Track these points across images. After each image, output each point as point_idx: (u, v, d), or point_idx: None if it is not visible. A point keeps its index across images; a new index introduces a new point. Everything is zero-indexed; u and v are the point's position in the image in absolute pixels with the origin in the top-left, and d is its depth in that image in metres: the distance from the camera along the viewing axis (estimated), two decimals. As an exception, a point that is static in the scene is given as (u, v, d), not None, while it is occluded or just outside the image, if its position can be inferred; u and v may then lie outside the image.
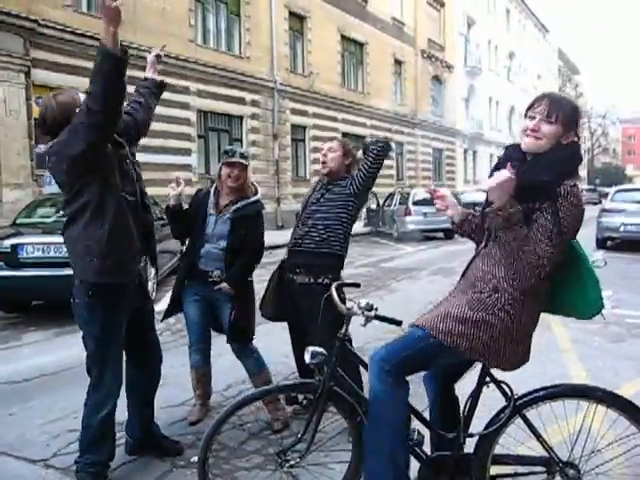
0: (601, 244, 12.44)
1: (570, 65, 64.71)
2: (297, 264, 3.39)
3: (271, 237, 6.37)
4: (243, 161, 3.39)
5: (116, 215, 2.59)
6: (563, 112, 1.98)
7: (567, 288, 2.12)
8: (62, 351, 5.10)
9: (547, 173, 1.93)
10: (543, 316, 2.14)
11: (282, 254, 3.62)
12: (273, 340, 3.65)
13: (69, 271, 2.76)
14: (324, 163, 3.47)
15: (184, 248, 3.67)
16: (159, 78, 3.23)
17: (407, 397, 2.13)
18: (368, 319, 2.05)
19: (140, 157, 3.22)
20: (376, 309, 2.06)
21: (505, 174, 1.87)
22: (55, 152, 2.53)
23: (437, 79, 30.91)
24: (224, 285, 3.33)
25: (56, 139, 2.53)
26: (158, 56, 3.23)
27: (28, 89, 11.76)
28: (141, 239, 2.81)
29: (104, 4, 2.24)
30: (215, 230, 3.39)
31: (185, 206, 3.50)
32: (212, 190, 3.49)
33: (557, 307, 2.18)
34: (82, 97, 2.54)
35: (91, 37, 12.55)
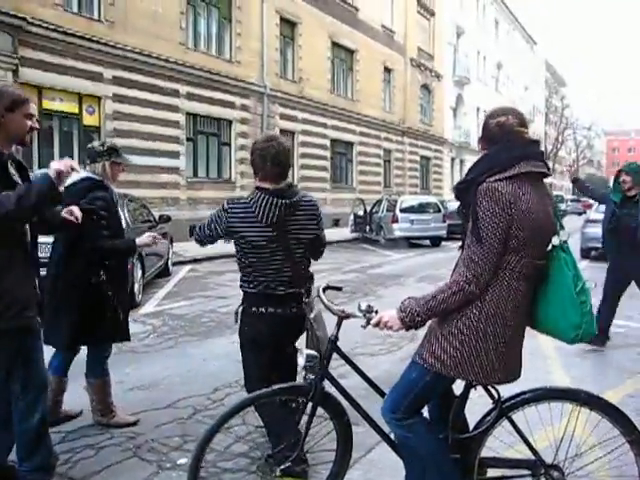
0: (585, 254, 12.56)
1: (557, 77, 65.59)
2: None
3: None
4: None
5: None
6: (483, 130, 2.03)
7: (545, 303, 1.99)
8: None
9: (472, 172, 1.93)
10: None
11: None
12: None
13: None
14: None
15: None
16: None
17: (428, 425, 2.15)
18: (368, 321, 2.07)
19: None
20: (376, 311, 2.08)
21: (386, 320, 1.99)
22: None
23: (426, 88, 31.16)
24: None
25: None
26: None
27: (16, 88, 11.64)
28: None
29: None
30: None
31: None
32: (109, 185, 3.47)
33: (537, 322, 2.05)
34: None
35: (80, 37, 12.45)
